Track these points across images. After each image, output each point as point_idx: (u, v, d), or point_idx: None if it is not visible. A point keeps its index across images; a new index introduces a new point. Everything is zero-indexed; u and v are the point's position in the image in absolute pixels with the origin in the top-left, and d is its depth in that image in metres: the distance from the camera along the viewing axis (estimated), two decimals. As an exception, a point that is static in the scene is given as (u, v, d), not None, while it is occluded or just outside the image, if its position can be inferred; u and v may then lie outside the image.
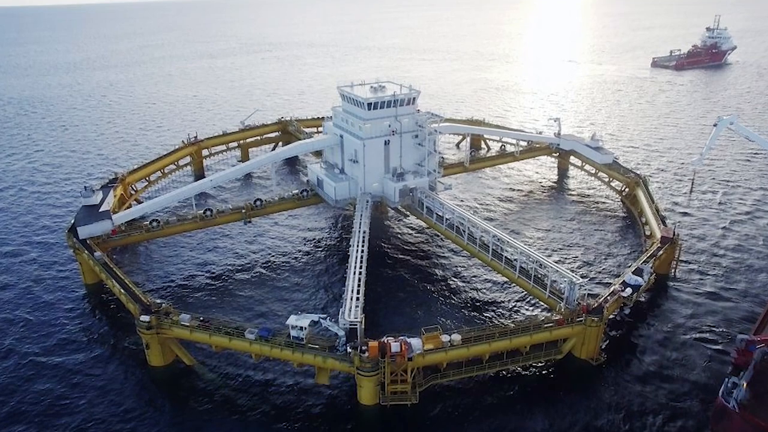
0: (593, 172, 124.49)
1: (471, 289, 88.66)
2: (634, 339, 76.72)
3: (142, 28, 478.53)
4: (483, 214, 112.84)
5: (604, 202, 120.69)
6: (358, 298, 68.79)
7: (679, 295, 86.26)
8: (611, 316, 74.97)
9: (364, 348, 61.83)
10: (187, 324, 68.32)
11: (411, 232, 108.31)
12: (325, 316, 67.02)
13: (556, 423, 62.87)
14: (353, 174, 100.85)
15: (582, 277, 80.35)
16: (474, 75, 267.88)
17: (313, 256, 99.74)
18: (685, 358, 72.79)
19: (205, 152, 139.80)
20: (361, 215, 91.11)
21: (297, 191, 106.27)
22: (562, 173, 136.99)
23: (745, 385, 57.22)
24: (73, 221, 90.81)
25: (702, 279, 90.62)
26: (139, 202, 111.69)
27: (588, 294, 74.76)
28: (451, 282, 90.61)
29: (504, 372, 69.30)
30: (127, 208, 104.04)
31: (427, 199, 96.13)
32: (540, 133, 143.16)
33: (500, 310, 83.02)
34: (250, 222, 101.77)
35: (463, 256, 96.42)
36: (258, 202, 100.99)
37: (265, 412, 64.67)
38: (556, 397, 66.33)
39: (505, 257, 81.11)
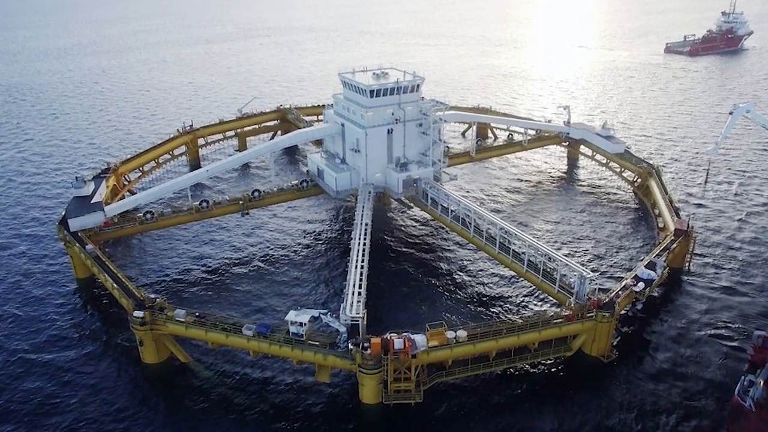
0: (604, 161, 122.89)
1: (477, 283, 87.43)
2: (646, 335, 75.77)
3: (135, 13, 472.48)
4: (490, 206, 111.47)
5: (615, 193, 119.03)
6: (359, 293, 67.99)
7: (694, 290, 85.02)
8: (623, 312, 74.18)
9: (366, 345, 61.15)
10: (183, 320, 67.30)
11: (415, 224, 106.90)
12: (325, 311, 65.96)
13: (565, 422, 62.13)
14: (355, 164, 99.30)
15: (593, 271, 79.80)
16: (480, 61, 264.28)
17: (313, 250, 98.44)
18: (700, 355, 71.93)
19: (201, 141, 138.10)
20: (363, 207, 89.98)
21: (296, 182, 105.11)
22: (572, 163, 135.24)
23: (761, 383, 56.87)
24: (63, 213, 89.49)
25: (717, 273, 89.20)
26: (133, 193, 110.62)
27: (599, 289, 73.66)
28: (456, 276, 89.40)
29: (511, 370, 68.53)
30: (120, 199, 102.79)
31: (432, 189, 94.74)
32: (549, 121, 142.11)
33: (508, 305, 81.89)
34: (247, 214, 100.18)
35: (469, 250, 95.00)
36: (256, 194, 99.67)
37: (263, 411, 63.91)
38: (565, 396, 65.63)
39: (513, 250, 79.85)
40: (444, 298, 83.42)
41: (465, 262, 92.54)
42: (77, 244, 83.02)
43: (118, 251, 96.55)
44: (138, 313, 66.73)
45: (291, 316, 64.31)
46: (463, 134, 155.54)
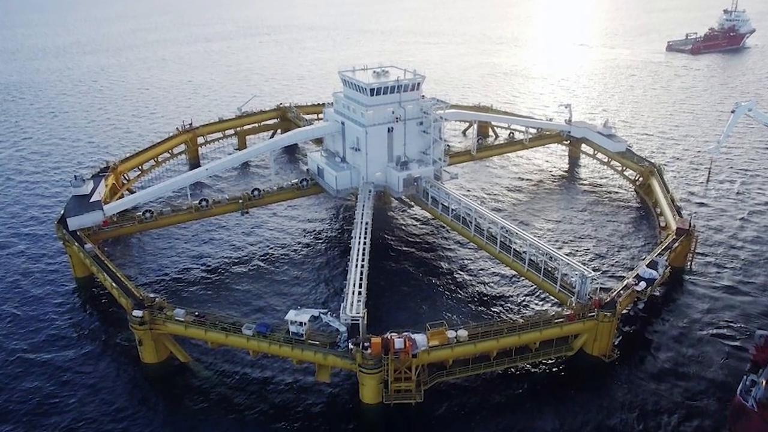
0: (605, 160, 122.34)
1: (478, 282, 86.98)
2: (648, 335, 75.37)
3: (134, 11, 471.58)
4: (490, 205, 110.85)
5: (616, 192, 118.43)
6: (360, 292, 67.63)
7: (696, 289, 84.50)
8: (624, 311, 73.59)
9: (366, 344, 60.82)
10: (182, 319, 66.90)
11: (415, 223, 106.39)
12: (325, 310, 65.70)
13: (567, 422, 61.84)
14: (355, 163, 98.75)
15: (594, 270, 79.42)
16: (481, 59, 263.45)
17: (313, 249, 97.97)
18: (702, 354, 71.55)
19: (200, 140, 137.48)
20: (364, 206, 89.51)
21: (296, 181, 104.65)
22: (573, 162, 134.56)
23: (764, 383, 56.64)
24: (62, 212, 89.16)
25: (719, 272, 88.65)
26: (132, 192, 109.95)
27: (600, 288, 73.50)
28: (457, 275, 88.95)
29: (512, 369, 68.19)
30: (119, 198, 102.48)
31: (432, 188, 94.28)
32: (550, 119, 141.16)
33: (508, 304, 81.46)
34: (247, 213, 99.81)
35: (469, 249, 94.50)
36: (256, 192, 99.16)
37: (263, 411, 63.61)
38: (566, 396, 65.37)
39: (514, 249, 79.43)
40: (445, 298, 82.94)
41: (466, 262, 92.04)
42: (76, 243, 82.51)
43: (117, 250, 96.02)
44: (137, 313, 66.29)
45: (291, 315, 63.92)
46: (463, 133, 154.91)
